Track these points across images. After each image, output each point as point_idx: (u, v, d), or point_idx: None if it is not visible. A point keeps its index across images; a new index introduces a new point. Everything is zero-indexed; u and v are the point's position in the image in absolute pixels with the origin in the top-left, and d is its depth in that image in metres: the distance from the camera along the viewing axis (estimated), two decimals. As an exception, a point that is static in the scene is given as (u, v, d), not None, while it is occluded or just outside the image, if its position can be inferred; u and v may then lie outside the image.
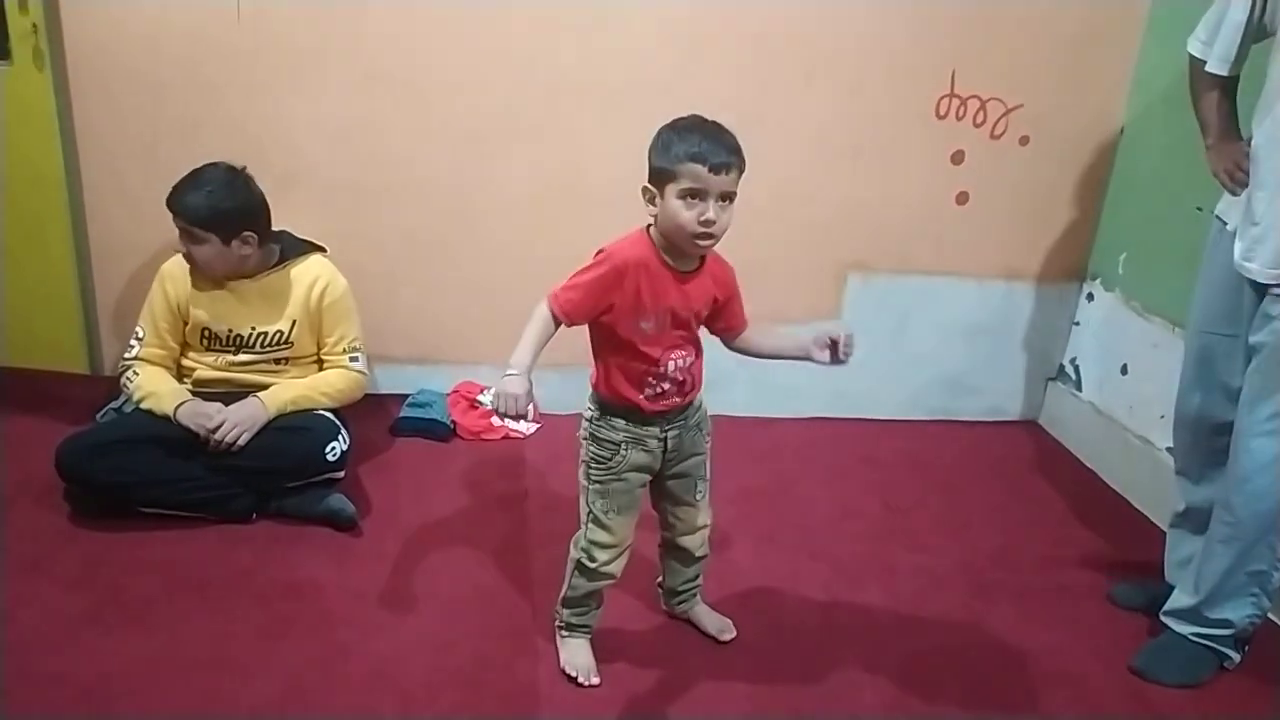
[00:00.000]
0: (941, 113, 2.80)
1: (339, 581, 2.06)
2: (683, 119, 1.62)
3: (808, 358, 1.77)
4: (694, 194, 1.57)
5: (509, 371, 1.59)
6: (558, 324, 1.65)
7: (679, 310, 1.68)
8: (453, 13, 2.55)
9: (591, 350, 1.75)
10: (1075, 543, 2.50)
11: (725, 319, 1.80)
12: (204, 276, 2.29)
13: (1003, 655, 2.03)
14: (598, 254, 1.66)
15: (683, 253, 1.66)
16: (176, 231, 2.24)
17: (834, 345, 1.74)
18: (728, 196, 1.60)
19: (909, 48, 2.72)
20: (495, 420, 2.76)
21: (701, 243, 1.61)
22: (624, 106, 2.63)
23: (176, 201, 2.21)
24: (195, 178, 2.23)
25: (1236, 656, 1.98)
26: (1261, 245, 1.79)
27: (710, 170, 1.55)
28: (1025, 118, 2.83)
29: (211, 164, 2.26)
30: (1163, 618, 2.03)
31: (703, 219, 1.57)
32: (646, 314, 1.65)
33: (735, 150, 1.59)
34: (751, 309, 1.83)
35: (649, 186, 1.63)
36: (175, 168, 2.26)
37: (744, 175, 1.62)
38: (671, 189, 1.58)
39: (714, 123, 1.61)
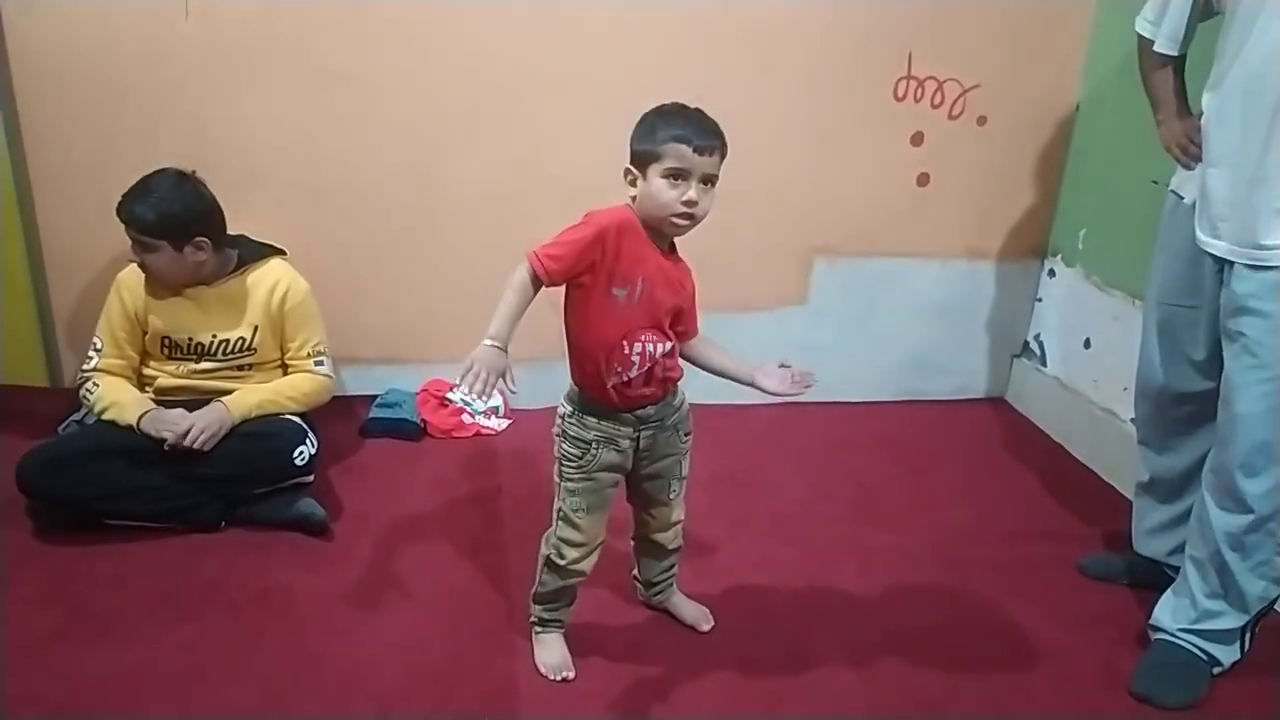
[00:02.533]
0: (900, 95, 2.81)
1: (311, 587, 2.04)
2: (666, 105, 1.64)
3: (753, 384, 1.76)
4: (678, 174, 1.58)
5: (487, 342, 1.54)
6: (537, 286, 1.61)
7: (654, 284, 1.65)
8: (405, 5, 2.52)
9: (565, 336, 1.73)
10: (1045, 516, 2.53)
11: (683, 321, 1.78)
12: (161, 285, 2.26)
13: (979, 632, 2.05)
14: (585, 215, 1.64)
15: (660, 235, 1.67)
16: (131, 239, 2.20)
17: (791, 372, 1.74)
18: (710, 180, 1.61)
19: (866, 30, 2.73)
20: (456, 396, 2.75)
21: (681, 223, 1.62)
22: (582, 97, 2.61)
23: (125, 211, 2.17)
24: (143, 186, 2.19)
25: (1226, 660, 1.92)
26: (1225, 223, 1.80)
27: (695, 151, 1.57)
28: (982, 97, 2.85)
29: (159, 170, 2.22)
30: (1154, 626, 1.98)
31: (685, 199, 1.59)
32: (620, 280, 1.63)
33: (718, 134, 1.62)
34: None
35: (631, 169, 1.64)
36: (129, 173, 2.22)
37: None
38: (655, 169, 1.59)
39: (697, 109, 1.64)
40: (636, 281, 1.63)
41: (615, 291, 1.64)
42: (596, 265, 1.62)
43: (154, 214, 2.15)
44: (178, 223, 2.17)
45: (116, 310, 2.28)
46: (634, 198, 1.65)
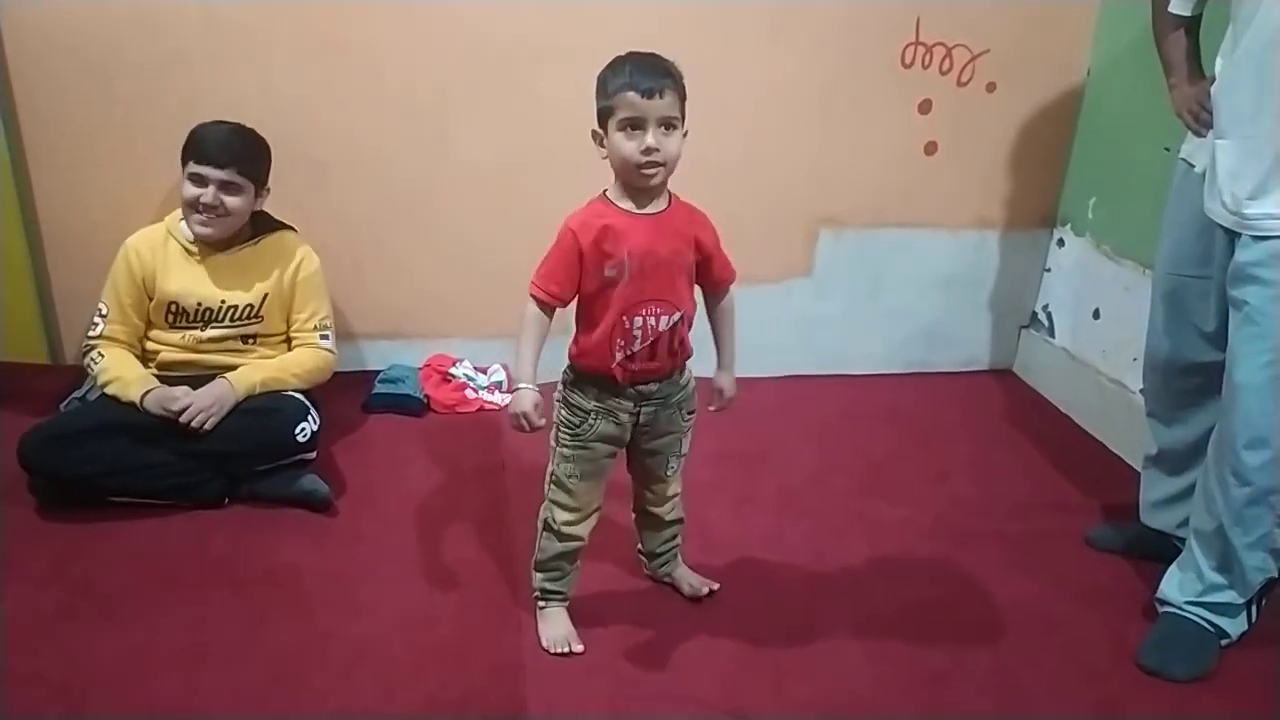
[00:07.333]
0: (907, 61, 2.76)
1: (316, 564, 2.03)
2: (617, 56, 1.61)
3: (716, 377, 1.84)
4: (633, 123, 1.56)
5: (517, 386, 1.63)
6: (549, 310, 1.66)
7: (649, 252, 1.63)
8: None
9: (575, 320, 1.74)
10: (1053, 488, 2.51)
11: (713, 271, 1.76)
12: (219, 236, 2.25)
13: (988, 605, 2.04)
14: (561, 225, 1.66)
15: (641, 191, 1.64)
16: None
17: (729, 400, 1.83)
18: (668, 123, 1.58)
19: (873, -5, 2.68)
20: (459, 371, 2.81)
21: (648, 172, 1.59)
22: (584, 67, 2.55)
23: (219, 150, 2.19)
24: (217, 129, 2.22)
25: (1234, 632, 1.90)
26: (1234, 195, 1.76)
27: (643, 95, 1.54)
28: (991, 64, 2.80)
29: (215, 121, 2.25)
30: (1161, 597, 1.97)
31: (644, 148, 1.56)
32: (610, 260, 1.63)
33: (667, 73, 1.57)
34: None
35: (596, 130, 1.62)
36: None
37: (689, 103, 1.61)
38: (613, 124, 1.58)
39: (648, 53, 1.60)
40: (623, 257, 1.62)
41: (608, 272, 1.63)
42: (585, 262, 1.63)
43: (251, 150, 2.22)
44: (264, 163, 2.25)
45: (123, 275, 2.26)
46: (606, 159, 1.63)
